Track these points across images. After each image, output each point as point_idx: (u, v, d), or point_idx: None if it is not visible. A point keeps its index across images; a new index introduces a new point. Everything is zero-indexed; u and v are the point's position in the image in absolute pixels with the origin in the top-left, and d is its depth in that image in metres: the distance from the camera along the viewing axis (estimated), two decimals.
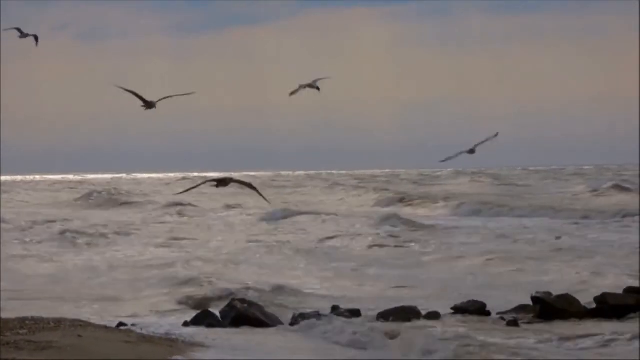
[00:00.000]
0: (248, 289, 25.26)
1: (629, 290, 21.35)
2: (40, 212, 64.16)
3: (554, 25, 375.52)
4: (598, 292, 21.47)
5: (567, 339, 18.33)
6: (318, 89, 13.14)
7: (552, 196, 71.60)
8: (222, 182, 12.50)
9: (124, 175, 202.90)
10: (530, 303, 21.04)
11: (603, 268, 28.06)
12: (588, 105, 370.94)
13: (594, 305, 20.90)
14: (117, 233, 45.42)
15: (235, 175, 13.46)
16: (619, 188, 71.22)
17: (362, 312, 21.00)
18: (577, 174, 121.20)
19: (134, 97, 13.25)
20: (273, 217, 54.35)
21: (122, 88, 12.97)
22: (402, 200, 73.02)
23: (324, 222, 51.01)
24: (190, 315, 21.17)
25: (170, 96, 13.13)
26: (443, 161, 14.60)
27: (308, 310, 21.29)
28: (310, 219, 53.30)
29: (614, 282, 24.45)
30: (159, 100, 13.27)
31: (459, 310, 21.37)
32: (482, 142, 14.01)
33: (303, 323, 19.90)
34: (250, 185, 12.65)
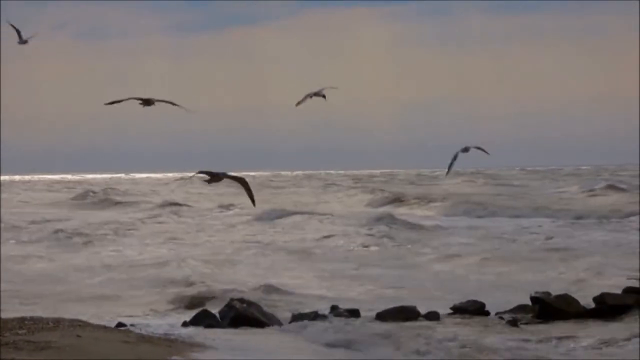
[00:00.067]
0: (245, 289, 25.27)
1: (628, 290, 21.36)
2: (37, 212, 64.10)
3: (554, 25, 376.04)
4: (596, 292, 21.47)
5: (566, 338, 18.34)
6: (324, 97, 13.03)
7: (547, 196, 71.60)
8: (215, 178, 12.37)
9: (122, 175, 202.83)
10: (530, 303, 21.04)
11: (601, 268, 28.11)
12: (588, 105, 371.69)
13: (592, 305, 20.91)
14: (113, 233, 45.45)
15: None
16: (613, 188, 71.36)
17: (361, 312, 20.99)
18: (574, 174, 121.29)
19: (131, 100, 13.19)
20: (269, 217, 54.37)
21: (115, 102, 12.88)
22: (397, 200, 72.99)
23: (318, 222, 50.99)
24: (189, 315, 21.16)
25: (172, 103, 13.06)
26: (447, 173, 14.55)
27: (307, 310, 21.28)
28: (305, 218, 53.29)
29: (612, 282, 24.49)
30: (158, 100, 13.22)
31: (458, 310, 21.37)
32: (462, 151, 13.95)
33: (302, 323, 19.89)
34: (242, 180, 12.52)
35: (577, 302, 20.93)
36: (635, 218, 47.05)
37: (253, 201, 12.84)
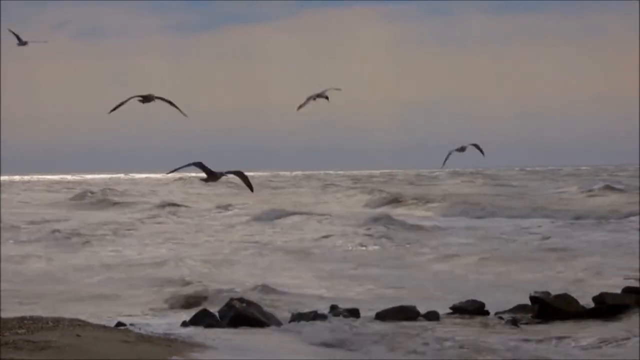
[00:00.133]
0: (244, 289, 25.26)
1: (627, 290, 21.38)
2: (37, 212, 64.10)
3: (554, 25, 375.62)
4: (596, 292, 21.48)
5: (566, 338, 18.34)
6: (327, 98, 12.97)
7: (546, 197, 71.61)
8: (212, 177, 12.34)
9: (121, 175, 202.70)
10: (529, 303, 21.04)
11: (600, 268, 28.15)
12: (588, 105, 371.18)
13: (592, 305, 20.92)
14: (112, 233, 45.47)
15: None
16: (611, 189, 71.43)
17: (361, 312, 20.98)
18: (573, 175, 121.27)
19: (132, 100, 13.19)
20: (267, 217, 54.35)
21: (118, 106, 12.88)
22: (395, 200, 72.96)
23: (317, 222, 51.00)
24: (189, 315, 21.14)
25: (170, 102, 13.04)
26: (442, 166, 14.58)
27: (306, 310, 21.27)
28: (304, 219, 53.29)
29: (612, 282, 24.51)
30: (158, 97, 13.20)
31: (457, 310, 21.36)
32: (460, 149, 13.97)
33: (302, 323, 19.87)
34: (238, 172, 12.49)
35: (576, 301, 20.93)
36: (634, 218, 47.08)
37: (251, 188, 12.86)
